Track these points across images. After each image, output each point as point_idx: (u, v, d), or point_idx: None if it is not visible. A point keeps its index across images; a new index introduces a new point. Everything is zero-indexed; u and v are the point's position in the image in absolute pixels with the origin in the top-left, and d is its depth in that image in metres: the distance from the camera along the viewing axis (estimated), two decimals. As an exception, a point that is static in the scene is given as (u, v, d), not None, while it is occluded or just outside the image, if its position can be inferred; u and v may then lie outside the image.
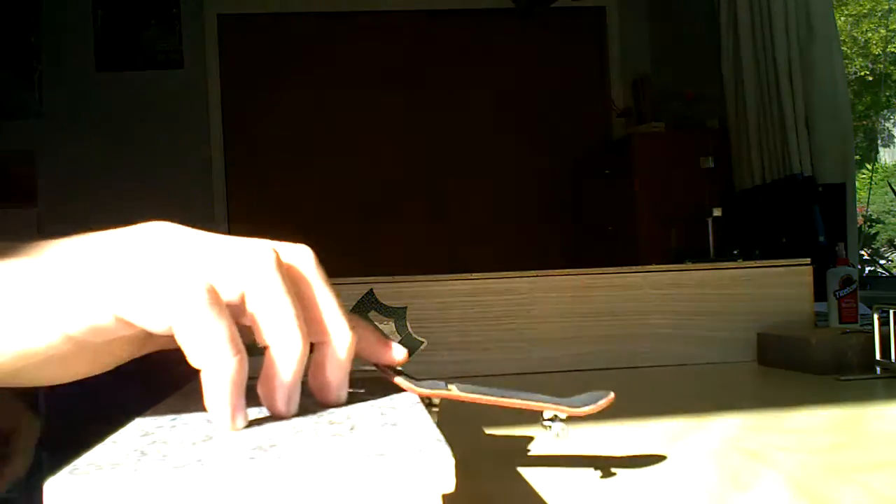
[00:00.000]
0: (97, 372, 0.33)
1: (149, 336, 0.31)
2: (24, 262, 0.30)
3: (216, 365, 0.28)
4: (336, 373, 0.32)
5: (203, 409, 0.30)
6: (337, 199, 3.44)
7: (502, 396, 0.35)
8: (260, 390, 0.31)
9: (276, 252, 0.31)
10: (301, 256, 0.33)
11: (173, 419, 0.30)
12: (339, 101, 3.47)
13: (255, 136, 3.44)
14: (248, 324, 0.31)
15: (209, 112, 3.40)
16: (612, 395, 0.37)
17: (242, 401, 0.29)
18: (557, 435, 0.36)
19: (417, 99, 3.52)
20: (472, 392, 0.35)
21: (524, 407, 0.36)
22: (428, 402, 0.35)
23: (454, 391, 0.35)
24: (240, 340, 0.29)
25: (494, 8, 3.47)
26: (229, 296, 0.30)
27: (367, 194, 3.46)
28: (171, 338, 0.29)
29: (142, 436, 0.28)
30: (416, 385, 0.35)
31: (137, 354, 0.34)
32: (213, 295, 0.29)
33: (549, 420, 0.36)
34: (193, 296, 0.28)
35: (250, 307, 0.30)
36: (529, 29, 3.52)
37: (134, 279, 0.29)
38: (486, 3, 3.51)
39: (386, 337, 0.36)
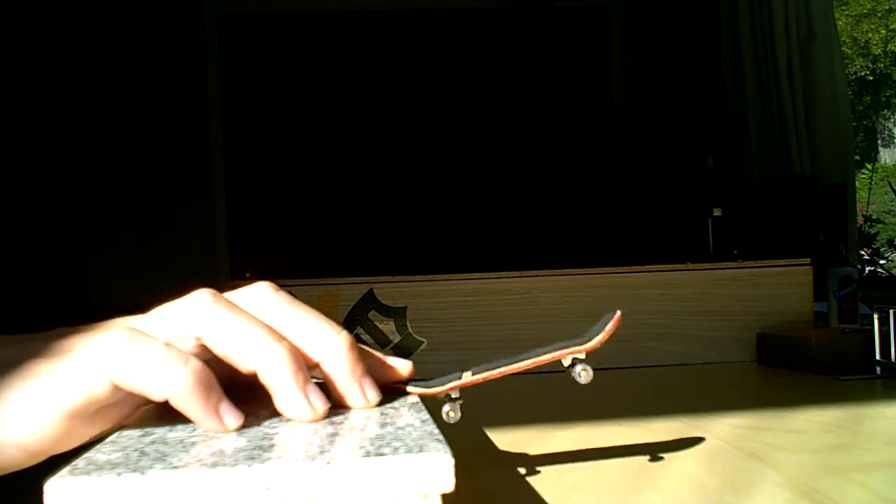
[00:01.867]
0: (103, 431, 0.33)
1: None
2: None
3: (171, 387, 0.28)
4: (349, 379, 0.31)
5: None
6: (337, 199, 3.44)
7: (515, 363, 0.35)
8: (280, 408, 0.30)
9: (211, 291, 0.31)
10: (255, 292, 0.32)
11: (173, 420, 0.30)
12: (340, 101, 3.47)
13: (256, 137, 3.44)
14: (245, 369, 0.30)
15: (209, 112, 3.40)
16: (618, 313, 0.36)
17: (218, 399, 0.28)
18: (580, 375, 0.35)
19: (417, 99, 3.52)
20: (487, 371, 0.35)
21: (537, 364, 0.35)
22: (450, 398, 0.35)
23: (468, 377, 0.35)
24: (181, 354, 0.28)
25: (495, 7, 3.47)
26: (185, 348, 0.30)
27: (368, 194, 3.46)
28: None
29: (141, 436, 0.28)
30: (429, 387, 0.35)
31: (132, 414, 0.34)
32: (132, 333, 0.28)
33: (569, 366, 0.36)
34: (113, 345, 0.28)
35: (214, 349, 0.30)
36: (529, 29, 3.52)
37: (56, 366, 0.29)
38: (486, 3, 3.51)
39: (388, 343, 0.36)
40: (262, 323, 0.30)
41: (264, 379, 0.29)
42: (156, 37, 3.33)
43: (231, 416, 0.28)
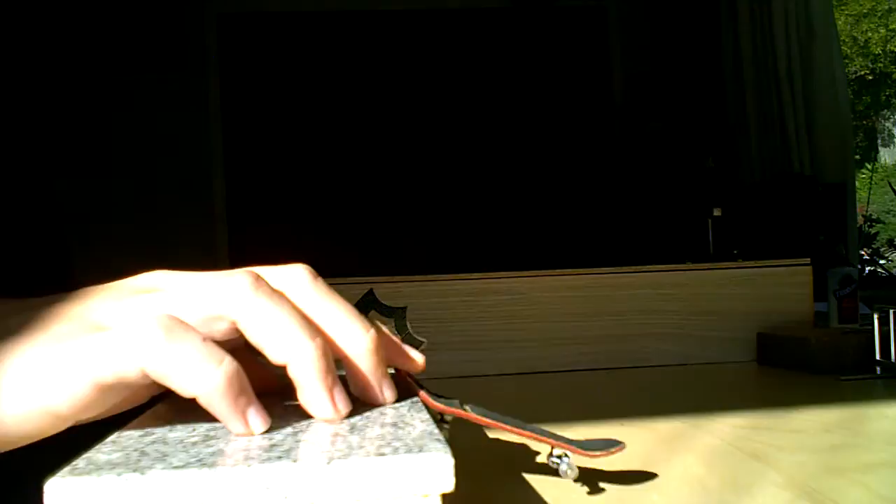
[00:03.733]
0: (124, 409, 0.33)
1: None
2: (45, 322, 0.31)
3: (202, 387, 0.28)
4: (370, 378, 0.32)
5: (203, 409, 0.29)
6: (337, 199, 3.44)
7: (516, 427, 0.35)
8: (303, 404, 0.30)
9: (252, 274, 0.30)
10: (295, 276, 0.32)
11: (173, 420, 0.30)
12: (340, 101, 3.47)
13: (255, 137, 3.44)
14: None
15: (209, 113, 3.40)
16: (624, 445, 0.37)
17: (247, 402, 0.28)
18: (566, 473, 0.36)
19: (417, 99, 3.52)
20: (488, 416, 0.35)
21: (534, 438, 0.36)
22: (440, 419, 0.35)
23: (469, 412, 0.35)
24: (217, 352, 0.28)
25: (495, 7, 3.47)
26: (217, 332, 0.30)
27: (368, 194, 3.47)
28: None
29: (141, 436, 0.28)
30: (434, 400, 0.35)
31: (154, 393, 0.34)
32: (171, 324, 0.28)
33: (556, 457, 0.36)
34: (149, 334, 0.28)
35: (248, 336, 0.30)
36: (530, 28, 3.52)
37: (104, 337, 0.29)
38: (486, 3, 3.51)
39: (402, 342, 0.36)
40: (300, 316, 0.30)
41: (294, 374, 0.30)
42: (156, 37, 3.33)
43: (258, 420, 0.28)
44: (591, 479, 0.43)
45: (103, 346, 0.28)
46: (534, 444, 0.51)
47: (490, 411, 0.36)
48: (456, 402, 0.36)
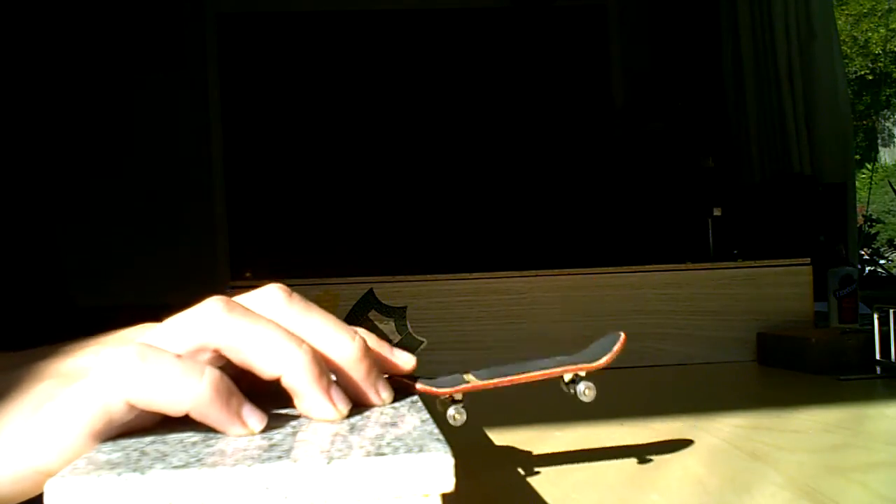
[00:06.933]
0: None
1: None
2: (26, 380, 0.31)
3: (190, 401, 0.27)
4: (364, 383, 0.32)
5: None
6: (337, 199, 3.44)
7: (520, 373, 0.35)
8: (303, 411, 0.30)
9: (223, 299, 0.30)
10: (268, 296, 0.32)
11: (173, 420, 0.30)
12: (339, 101, 3.47)
13: (255, 137, 3.44)
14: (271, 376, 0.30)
15: (209, 112, 3.40)
16: (622, 335, 0.36)
17: (239, 403, 0.28)
18: (584, 394, 0.35)
19: (417, 99, 3.52)
20: (492, 377, 0.35)
21: (545, 377, 0.35)
22: (452, 400, 0.35)
23: (473, 381, 0.35)
24: (196, 365, 0.28)
25: (495, 7, 3.47)
26: (202, 358, 0.29)
27: (367, 194, 3.47)
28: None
29: (141, 436, 0.28)
30: (435, 386, 0.35)
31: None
32: (144, 350, 0.28)
33: (570, 382, 0.36)
34: (125, 364, 0.28)
35: (233, 359, 0.30)
36: (529, 28, 3.52)
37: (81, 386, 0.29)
38: (486, 3, 3.51)
39: (389, 341, 0.36)
40: (282, 328, 0.30)
41: (288, 384, 0.29)
42: (156, 36, 3.33)
43: (255, 419, 0.28)
44: (591, 479, 0.43)
45: (84, 393, 0.28)
46: (534, 438, 0.51)
47: (492, 368, 0.35)
48: (458, 376, 0.35)
